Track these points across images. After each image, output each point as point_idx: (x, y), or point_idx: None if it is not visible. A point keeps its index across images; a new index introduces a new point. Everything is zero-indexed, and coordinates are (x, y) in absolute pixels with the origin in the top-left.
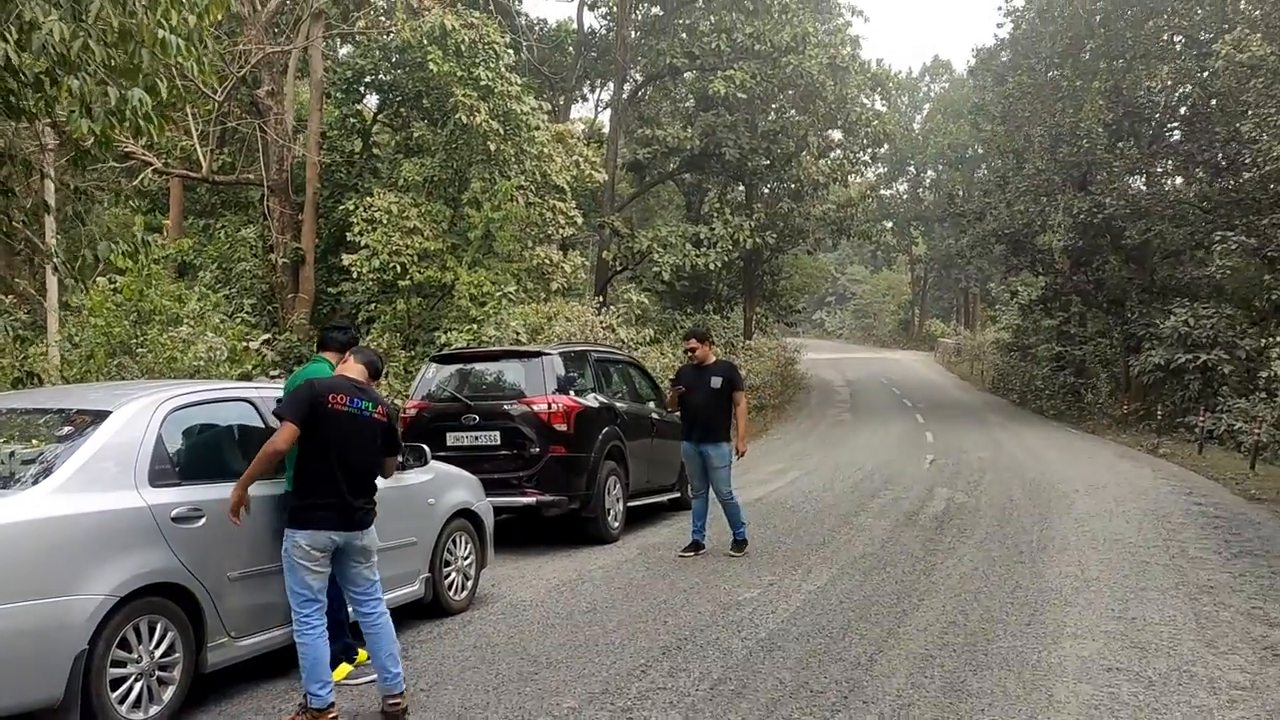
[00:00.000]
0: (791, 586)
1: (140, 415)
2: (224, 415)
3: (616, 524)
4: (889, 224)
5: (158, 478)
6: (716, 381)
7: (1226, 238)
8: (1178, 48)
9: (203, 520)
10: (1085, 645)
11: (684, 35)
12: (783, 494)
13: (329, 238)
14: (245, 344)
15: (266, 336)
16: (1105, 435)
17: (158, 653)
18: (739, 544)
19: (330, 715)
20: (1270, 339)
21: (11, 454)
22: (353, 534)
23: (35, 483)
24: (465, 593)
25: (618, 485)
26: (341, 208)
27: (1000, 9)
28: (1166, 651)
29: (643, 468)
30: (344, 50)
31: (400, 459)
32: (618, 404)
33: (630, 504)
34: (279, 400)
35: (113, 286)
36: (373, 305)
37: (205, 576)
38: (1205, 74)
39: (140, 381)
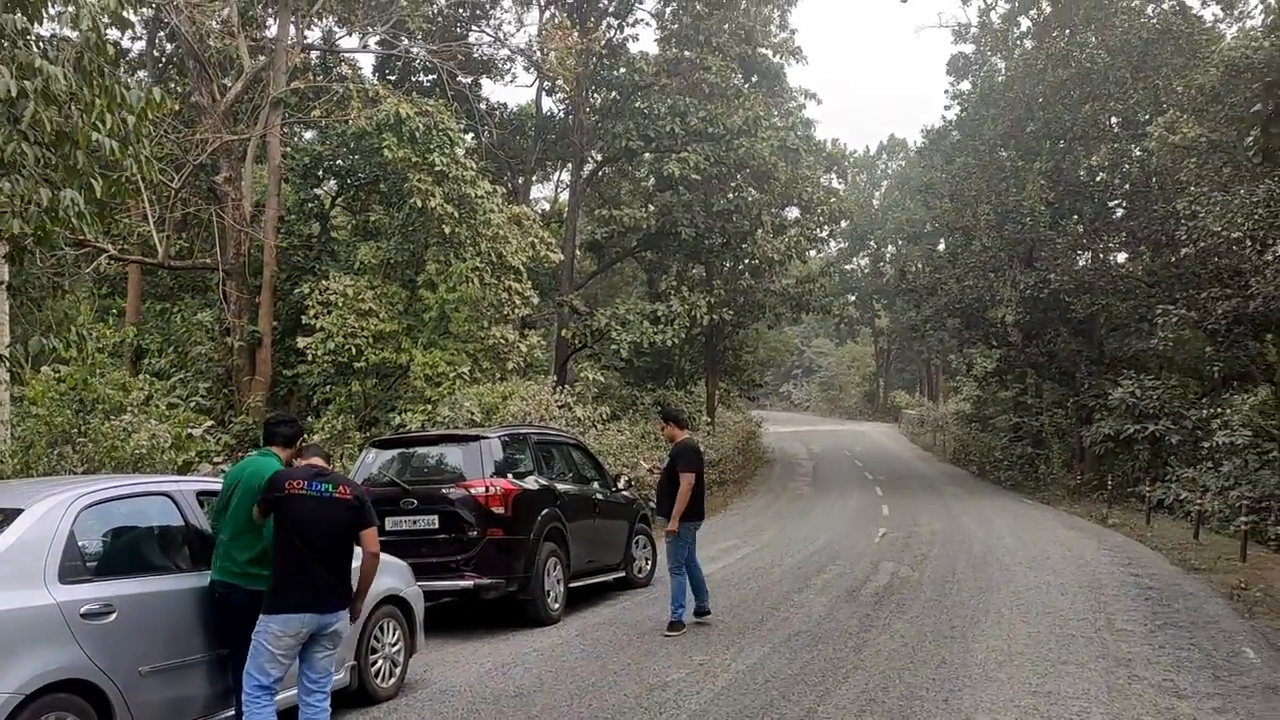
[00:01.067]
0: (721, 666)
1: (53, 512)
2: (140, 510)
3: (557, 605)
4: (852, 297)
5: (68, 574)
6: (671, 461)
7: (1169, 311)
8: (1115, 129)
9: (113, 615)
10: (998, 719)
11: (640, 119)
12: (730, 570)
13: (286, 320)
14: (189, 432)
15: (210, 423)
16: (1059, 505)
17: None
18: (672, 625)
19: None
20: (1213, 409)
21: None
22: (326, 617)
23: None
24: (393, 680)
25: (558, 566)
26: (298, 291)
27: (947, 92)
28: None
29: (584, 548)
30: (305, 134)
31: None
32: (558, 485)
33: (573, 584)
34: (200, 495)
35: (56, 376)
36: (328, 387)
37: (115, 672)
38: (1141, 154)
39: (66, 477)
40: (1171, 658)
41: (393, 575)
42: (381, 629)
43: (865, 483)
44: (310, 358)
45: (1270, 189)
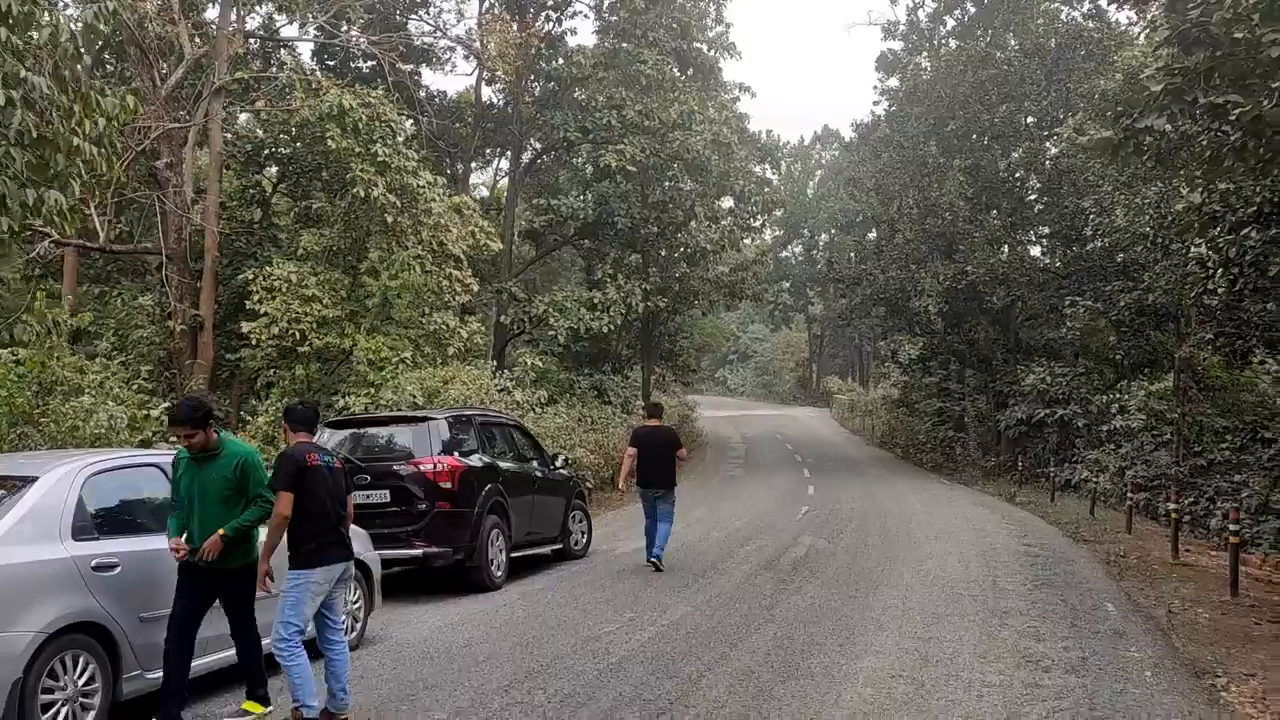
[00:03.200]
0: (648, 621)
1: (64, 479)
2: (136, 479)
3: (500, 573)
4: (786, 284)
5: (80, 533)
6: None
7: (1077, 302)
8: (1030, 128)
9: (118, 569)
10: (882, 660)
11: (578, 111)
12: None
13: (228, 304)
14: (145, 412)
15: (166, 405)
16: (973, 486)
17: (80, 682)
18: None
19: None
20: (1114, 395)
21: None
22: (349, 563)
23: None
24: (354, 634)
25: (500, 537)
26: (241, 276)
27: (875, 88)
28: (945, 662)
29: (524, 521)
30: (243, 118)
31: None
32: (500, 463)
33: (514, 554)
34: None
35: (15, 359)
36: (271, 371)
37: (121, 618)
38: (1054, 153)
39: (62, 450)
40: (1040, 611)
41: (355, 540)
42: (346, 588)
43: (794, 465)
44: (254, 342)
45: (1161, 190)
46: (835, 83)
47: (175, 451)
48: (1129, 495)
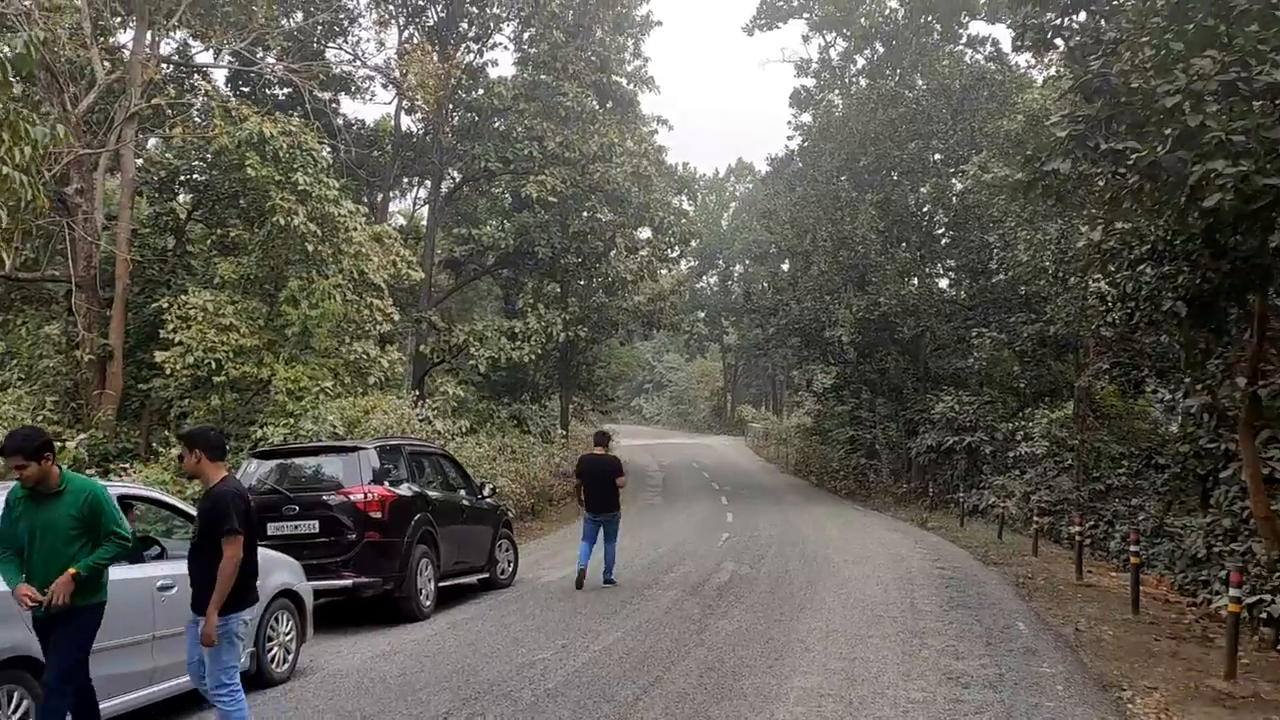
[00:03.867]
0: (581, 647)
1: None
2: None
3: (429, 603)
4: (701, 314)
5: None
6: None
7: (983, 333)
8: (938, 165)
9: None
10: (810, 679)
11: (499, 141)
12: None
13: (138, 333)
14: (61, 443)
15: (83, 437)
16: (886, 511)
17: (16, 717)
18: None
19: None
20: (1019, 423)
21: None
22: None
23: None
24: (286, 665)
25: (429, 567)
26: (155, 305)
27: (789, 123)
28: (871, 681)
29: (453, 550)
30: (152, 143)
31: None
32: (430, 492)
33: (442, 584)
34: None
35: None
36: (185, 401)
37: None
38: (961, 189)
39: None
40: (957, 630)
41: (287, 571)
42: (277, 619)
43: (712, 492)
44: (168, 372)
45: (1061, 228)
46: (749, 116)
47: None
48: (1034, 519)
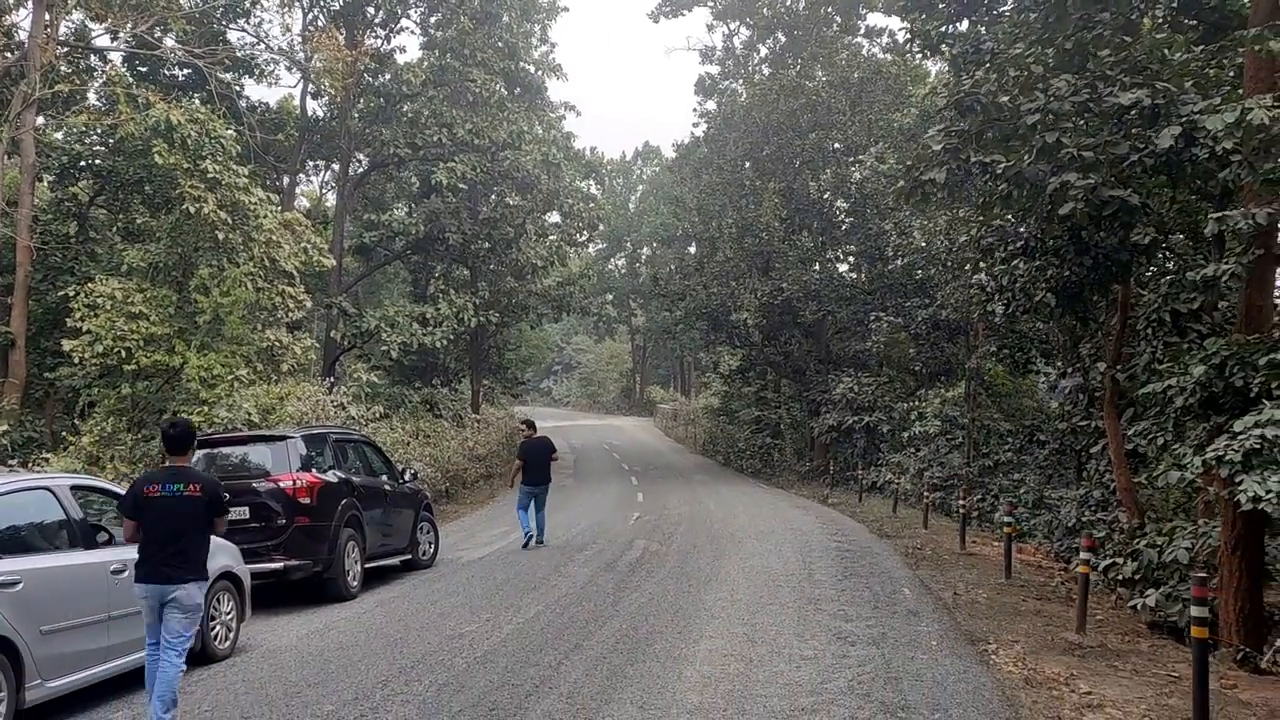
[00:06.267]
0: (504, 620)
1: None
2: (28, 501)
3: (355, 583)
4: (610, 297)
5: None
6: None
7: (880, 317)
8: (838, 154)
9: (20, 585)
10: (715, 643)
11: (407, 126)
12: (504, 552)
13: (41, 320)
14: None
15: (5, 428)
16: (790, 489)
17: None
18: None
19: None
20: (913, 403)
21: None
22: (164, 587)
23: None
24: (228, 642)
25: (356, 549)
26: (61, 293)
27: (695, 110)
28: (769, 642)
29: (377, 533)
30: (58, 135)
31: None
32: (354, 478)
33: (367, 565)
34: (74, 488)
35: None
36: (94, 390)
37: (24, 630)
38: (858, 178)
39: None
40: (849, 596)
41: (226, 555)
42: (219, 600)
43: (622, 473)
44: (77, 360)
45: (951, 218)
46: (655, 98)
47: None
48: (926, 495)
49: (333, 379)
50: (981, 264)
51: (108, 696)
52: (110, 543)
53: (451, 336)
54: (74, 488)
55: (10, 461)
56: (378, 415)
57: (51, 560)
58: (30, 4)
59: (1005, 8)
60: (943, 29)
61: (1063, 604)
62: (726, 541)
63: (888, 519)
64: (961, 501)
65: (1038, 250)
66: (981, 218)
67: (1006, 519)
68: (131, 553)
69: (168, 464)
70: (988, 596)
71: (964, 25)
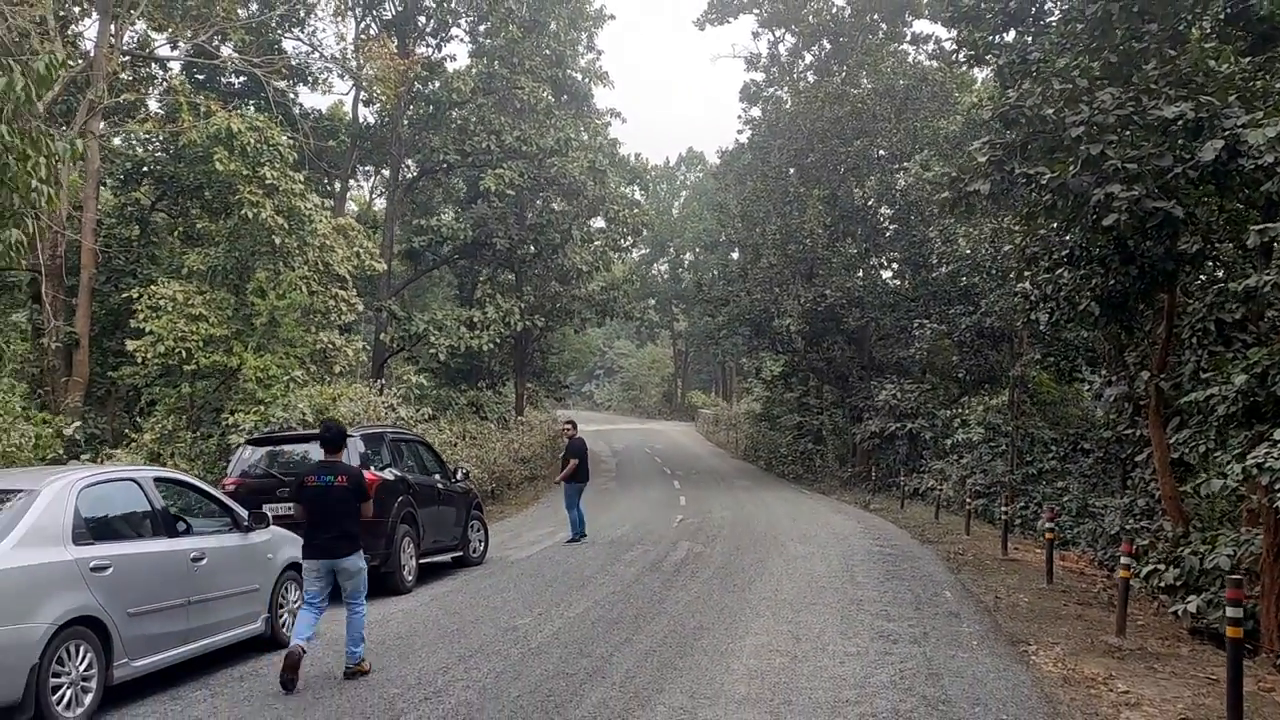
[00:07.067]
0: (556, 614)
1: (63, 491)
2: (117, 492)
3: (410, 578)
4: (652, 301)
5: (78, 538)
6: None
7: (924, 323)
8: (882, 161)
9: (110, 569)
10: (761, 638)
11: (456, 133)
12: (551, 551)
13: (104, 322)
14: (58, 431)
15: (78, 423)
16: (832, 495)
17: (81, 667)
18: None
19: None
20: (956, 410)
21: None
22: (330, 561)
23: None
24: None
25: (411, 545)
26: (125, 295)
27: (740, 117)
28: (813, 639)
29: (431, 530)
30: (116, 140)
31: (247, 523)
32: (410, 476)
33: (421, 561)
34: (156, 480)
35: None
36: (155, 388)
37: (113, 612)
38: (903, 186)
39: (56, 466)
40: (891, 598)
41: (294, 546)
42: (286, 589)
43: (664, 477)
44: (140, 360)
45: (996, 227)
46: (699, 104)
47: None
48: (968, 501)
49: (382, 381)
50: (1025, 272)
51: (186, 678)
52: (189, 532)
53: (497, 340)
54: (157, 480)
55: (82, 457)
56: (426, 417)
57: (137, 547)
58: (95, 14)
59: (1052, 18)
60: (989, 39)
61: (1104, 610)
62: (769, 544)
63: (930, 525)
64: (1004, 508)
65: (1082, 259)
66: (1025, 227)
67: (1047, 525)
68: (205, 542)
69: (324, 459)
70: (1029, 600)
71: (1010, 36)
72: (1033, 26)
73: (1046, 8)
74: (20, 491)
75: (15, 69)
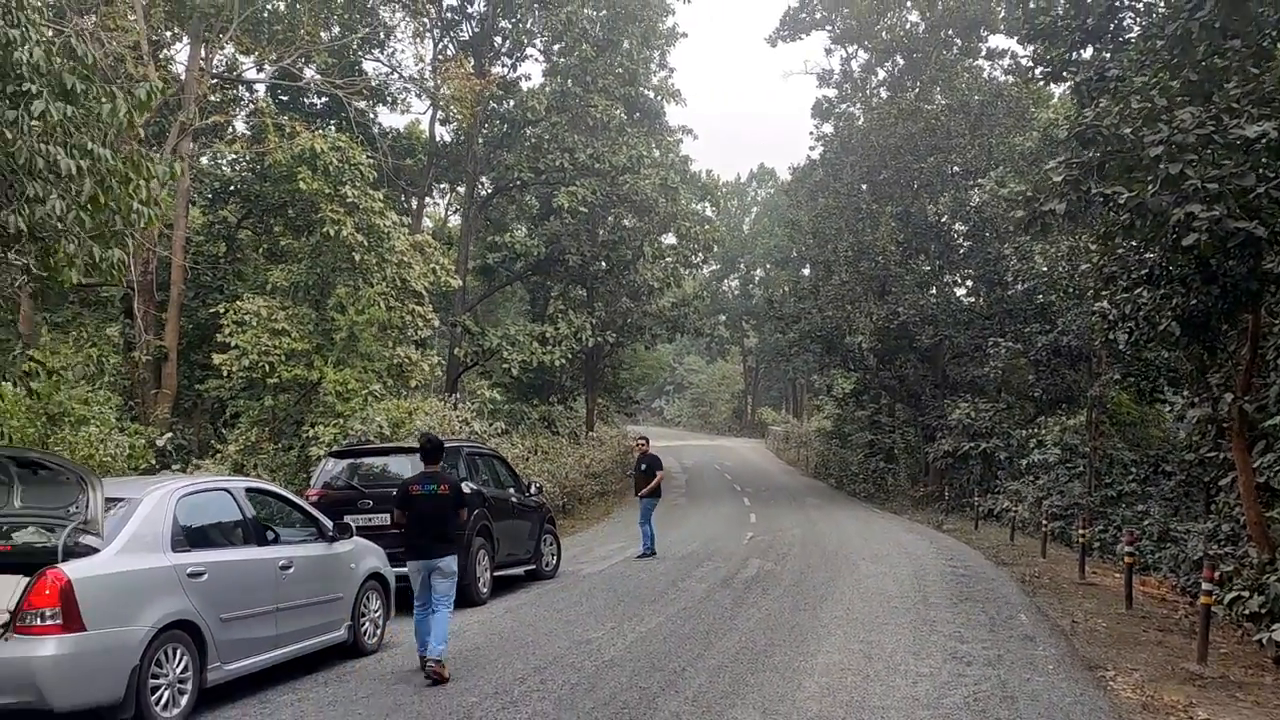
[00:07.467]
0: (628, 629)
1: (162, 500)
2: (211, 501)
3: (485, 589)
4: (722, 317)
5: (176, 545)
6: (650, 464)
7: (999, 342)
8: (956, 178)
9: (206, 576)
10: (833, 657)
11: (529, 151)
12: (623, 565)
13: (192, 336)
14: (151, 442)
15: (170, 435)
16: (904, 514)
17: (178, 669)
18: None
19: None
20: (1032, 431)
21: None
22: (430, 561)
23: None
24: (376, 638)
25: (486, 557)
26: (211, 310)
27: (811, 133)
28: (885, 659)
29: (505, 543)
30: (204, 160)
31: (332, 533)
32: (485, 490)
33: (495, 573)
34: (248, 490)
35: (27, 391)
36: (239, 401)
37: (208, 617)
38: (977, 202)
39: (153, 476)
40: (964, 619)
41: (376, 557)
42: (368, 598)
43: (734, 494)
44: (225, 373)
45: (1073, 245)
46: (771, 122)
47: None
48: (1044, 523)
49: (456, 395)
50: (1103, 291)
51: (274, 682)
52: (277, 541)
53: (569, 355)
54: (248, 490)
55: (172, 467)
56: (499, 431)
57: (230, 555)
58: (187, 39)
59: (1131, 35)
60: (1066, 56)
61: (1185, 637)
62: (840, 563)
63: (1004, 546)
64: (1082, 531)
65: (1162, 278)
66: (1103, 246)
67: (1127, 549)
68: (293, 551)
69: (424, 469)
70: (1107, 625)
71: (1088, 52)
72: (1111, 43)
73: (1125, 24)
74: (123, 500)
75: (118, 95)
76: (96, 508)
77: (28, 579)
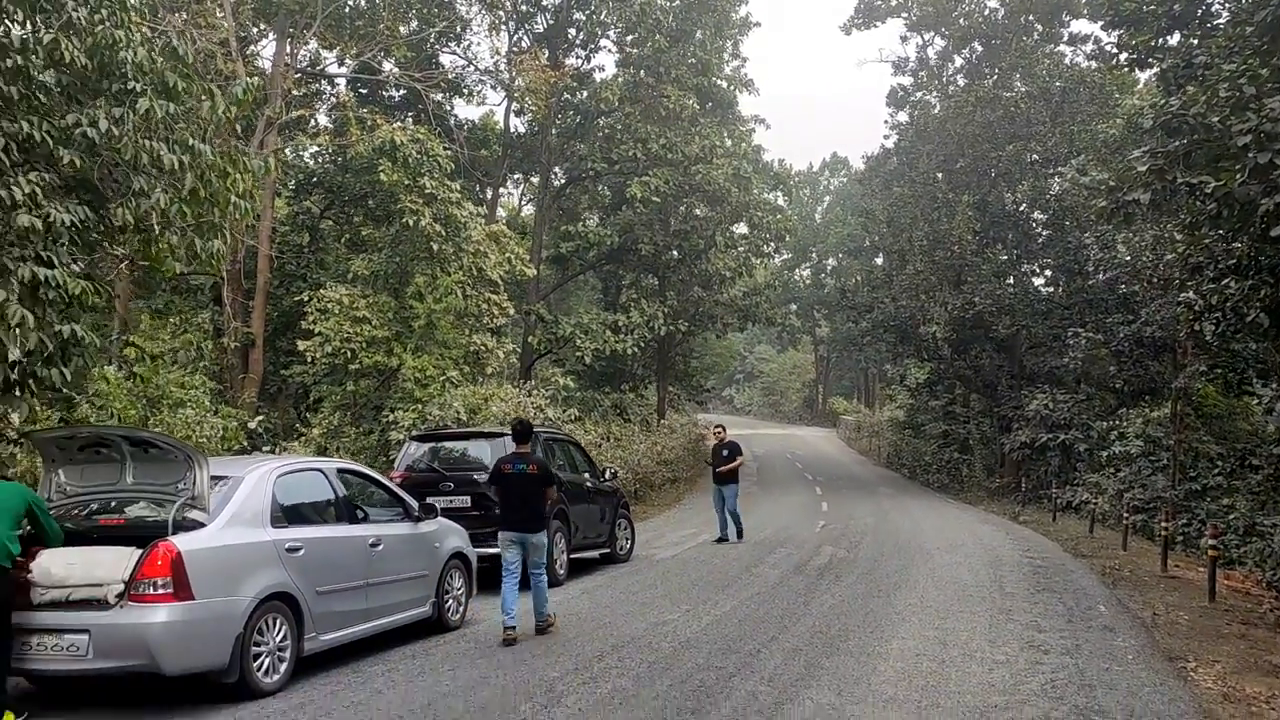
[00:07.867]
0: (703, 611)
1: (263, 479)
2: (306, 480)
3: (563, 571)
4: (794, 307)
5: (276, 521)
6: (730, 450)
7: (1079, 333)
8: (1035, 166)
9: (302, 550)
10: (907, 642)
11: (603, 141)
12: (696, 551)
13: (277, 323)
14: (243, 424)
15: (261, 418)
16: (979, 505)
17: (277, 638)
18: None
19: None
20: (1113, 423)
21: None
22: (523, 534)
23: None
24: (459, 615)
25: (563, 539)
26: (296, 298)
27: (886, 122)
28: (961, 646)
29: (581, 526)
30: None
31: (417, 513)
32: (562, 474)
33: (572, 555)
34: (339, 470)
35: (129, 374)
36: (322, 386)
37: (304, 589)
38: (1057, 191)
39: (253, 455)
40: (1042, 609)
41: (458, 537)
42: (451, 576)
43: (806, 482)
44: (310, 359)
45: (1157, 235)
46: (844, 110)
47: (329, 459)
48: (1126, 516)
49: (530, 382)
50: (1189, 282)
51: (365, 654)
52: (367, 520)
53: (641, 344)
54: (339, 470)
55: (263, 449)
56: (572, 418)
57: (324, 531)
58: (273, 35)
59: (1219, 21)
60: (1152, 42)
61: (1270, 630)
62: (914, 552)
63: (1083, 539)
64: (1165, 524)
65: (1250, 269)
66: (1189, 236)
67: (1210, 541)
68: (381, 530)
69: (515, 450)
70: (1189, 618)
71: (1175, 39)
72: (1198, 29)
73: (1213, 10)
74: (227, 478)
75: (217, 94)
76: (203, 485)
77: (140, 550)
